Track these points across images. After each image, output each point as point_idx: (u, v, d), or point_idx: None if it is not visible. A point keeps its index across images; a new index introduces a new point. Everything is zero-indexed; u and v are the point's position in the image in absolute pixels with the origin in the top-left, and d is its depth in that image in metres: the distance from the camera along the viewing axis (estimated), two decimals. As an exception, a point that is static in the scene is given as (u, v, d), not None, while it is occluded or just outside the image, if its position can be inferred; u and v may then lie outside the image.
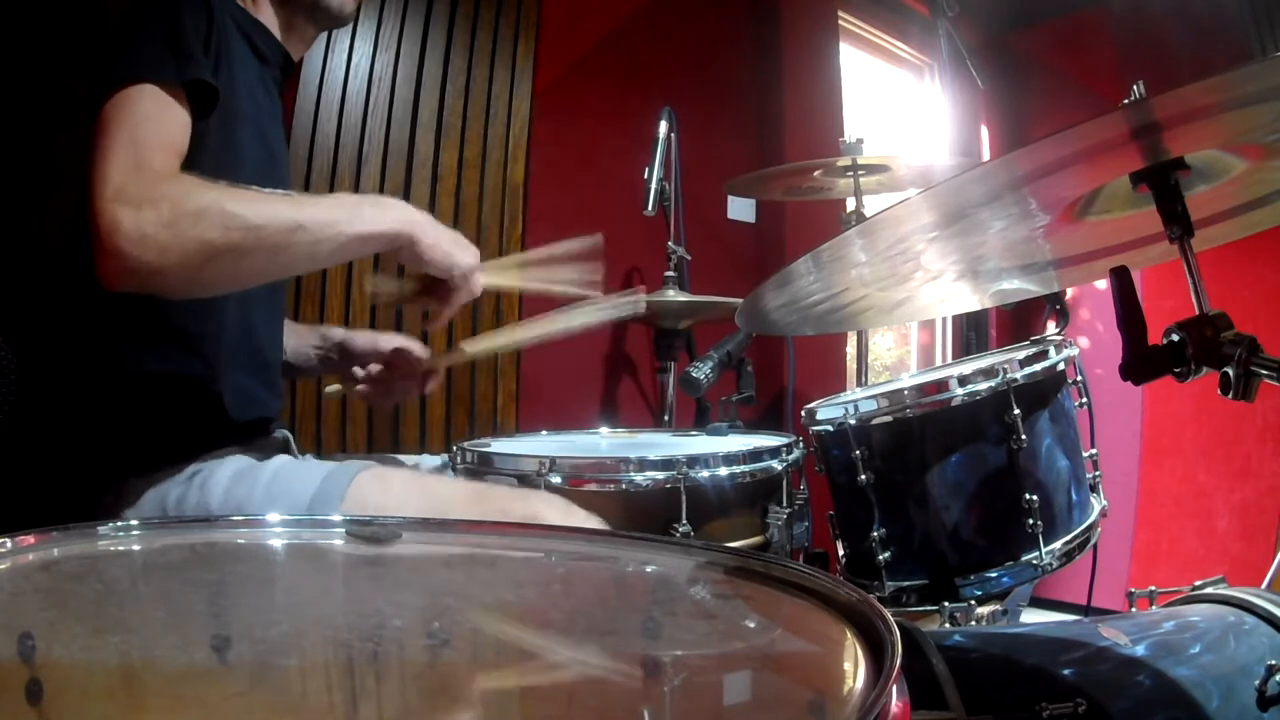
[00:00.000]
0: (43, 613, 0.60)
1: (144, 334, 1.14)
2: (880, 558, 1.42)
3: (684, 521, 1.24)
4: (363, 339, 1.50)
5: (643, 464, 1.27)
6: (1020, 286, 1.25)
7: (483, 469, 1.34)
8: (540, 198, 2.35)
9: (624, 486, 1.26)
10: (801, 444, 1.48)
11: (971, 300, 1.32)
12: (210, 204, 0.96)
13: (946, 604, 1.33)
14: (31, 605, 0.61)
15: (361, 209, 1.08)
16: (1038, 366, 1.40)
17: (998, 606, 1.40)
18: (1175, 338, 0.80)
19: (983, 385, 1.37)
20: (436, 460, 1.53)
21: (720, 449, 1.38)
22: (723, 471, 1.31)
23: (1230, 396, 0.76)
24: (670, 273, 2.26)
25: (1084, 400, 1.51)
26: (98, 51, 1.09)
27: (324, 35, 1.98)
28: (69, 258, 1.13)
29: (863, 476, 1.42)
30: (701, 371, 1.60)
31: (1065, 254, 1.12)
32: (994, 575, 1.38)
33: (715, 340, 1.71)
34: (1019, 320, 3.25)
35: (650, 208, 2.21)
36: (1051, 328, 1.53)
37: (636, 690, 0.56)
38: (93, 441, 1.15)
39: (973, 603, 1.36)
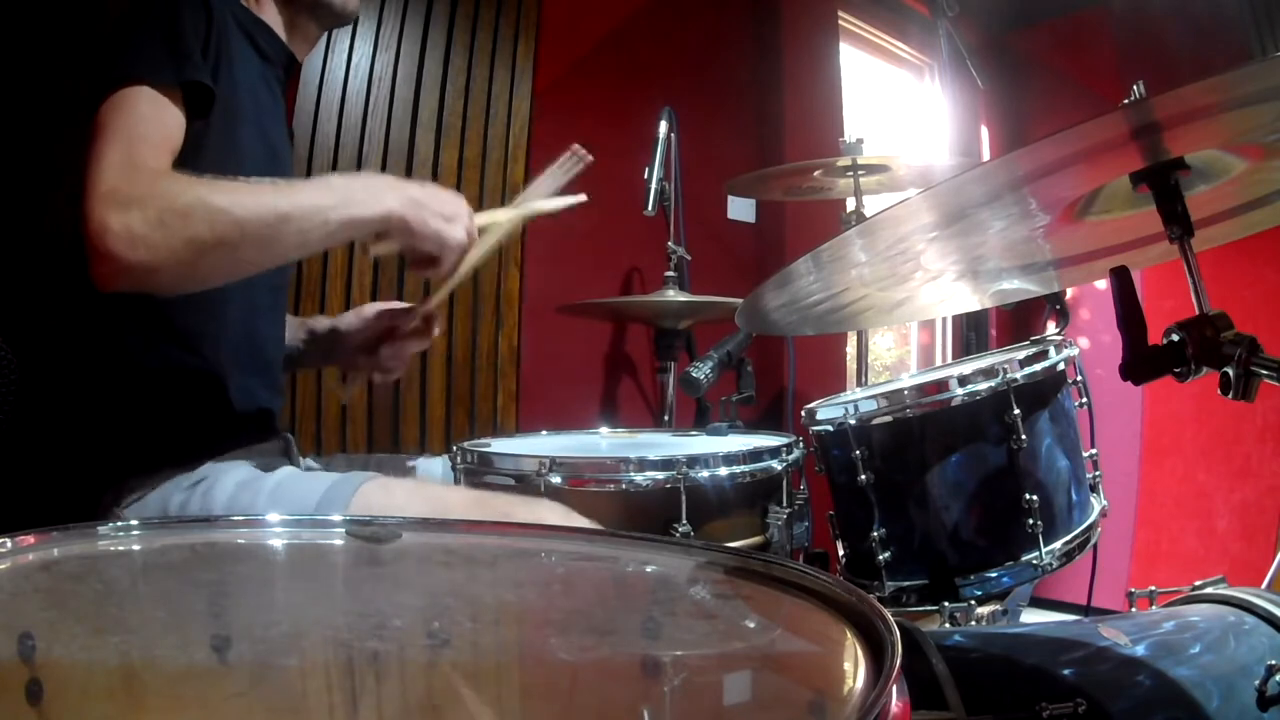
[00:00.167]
0: (43, 613, 0.60)
1: (145, 334, 1.14)
2: (880, 558, 1.42)
3: (684, 521, 1.24)
4: (348, 317, 1.47)
5: (643, 464, 1.27)
6: (1020, 286, 1.25)
7: (483, 469, 1.34)
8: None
9: (624, 486, 1.26)
10: (801, 444, 1.48)
11: (971, 300, 1.32)
12: (197, 200, 0.96)
13: (946, 604, 1.33)
14: (31, 605, 0.61)
15: (351, 193, 1.07)
16: (1038, 366, 1.40)
17: (998, 606, 1.40)
18: (1175, 338, 0.80)
19: (983, 385, 1.37)
20: (437, 463, 1.53)
21: (720, 449, 1.37)
22: (723, 471, 1.31)
23: (1230, 396, 0.76)
24: (670, 273, 2.26)
25: (1084, 400, 1.51)
26: (96, 52, 1.09)
27: (324, 35, 1.98)
28: (69, 258, 1.13)
29: (863, 476, 1.42)
30: (701, 371, 1.59)
31: (1065, 254, 1.12)
32: (994, 575, 1.38)
33: (715, 340, 1.71)
34: (1019, 320, 3.25)
35: (650, 208, 2.21)
36: (1051, 328, 1.53)
37: (636, 690, 0.56)
38: (93, 442, 1.15)
39: (973, 603, 1.36)
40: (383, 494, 1.11)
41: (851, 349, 2.78)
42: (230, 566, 0.78)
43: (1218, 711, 0.96)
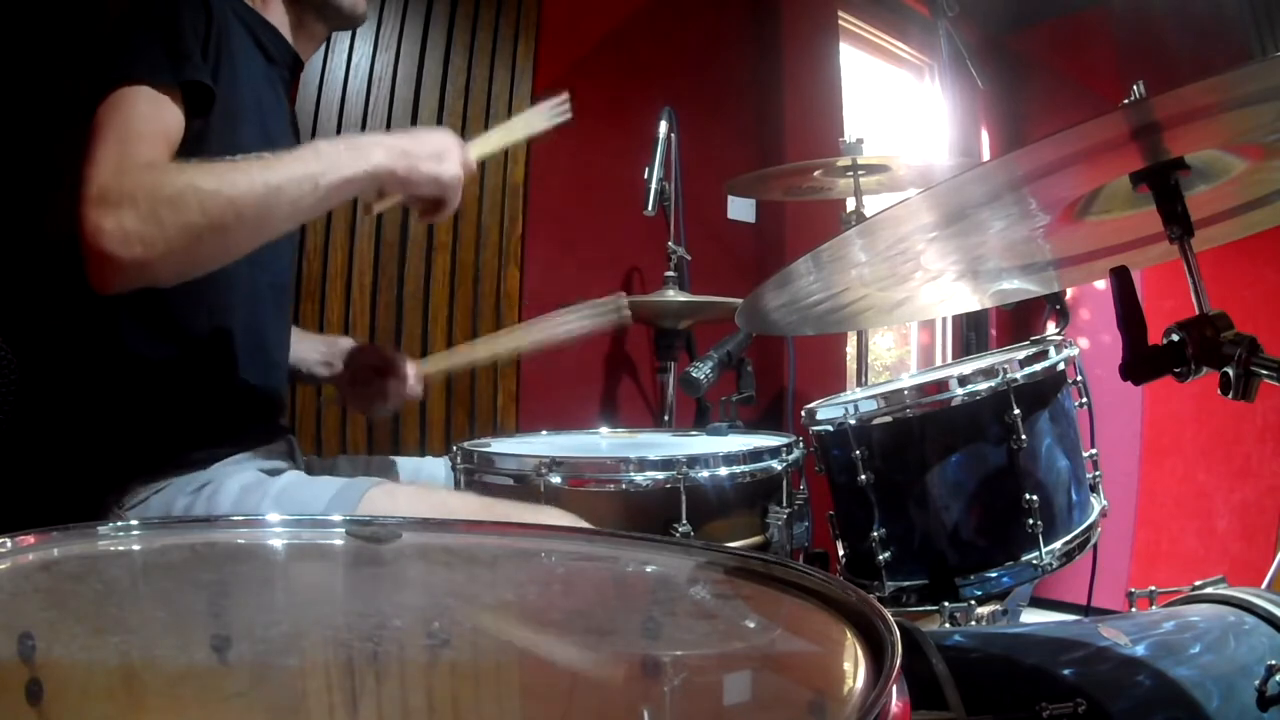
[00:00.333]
0: (43, 613, 0.60)
1: (148, 335, 1.14)
2: (880, 558, 1.42)
3: (684, 521, 1.24)
4: (365, 350, 1.51)
5: (643, 464, 1.27)
6: (1020, 286, 1.25)
7: (483, 469, 1.34)
8: (540, 198, 2.35)
9: (624, 486, 1.26)
10: (801, 444, 1.47)
11: (971, 300, 1.32)
12: (185, 186, 0.96)
13: (946, 604, 1.33)
14: (31, 605, 0.61)
15: (337, 155, 1.06)
16: (1038, 366, 1.40)
17: (998, 606, 1.40)
18: (1175, 338, 0.80)
19: (983, 385, 1.37)
20: (440, 463, 1.53)
21: (720, 449, 1.37)
22: (723, 471, 1.31)
23: (1230, 396, 0.76)
24: (670, 273, 2.26)
25: (1084, 400, 1.51)
26: (95, 52, 1.09)
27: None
28: (70, 258, 1.14)
29: (863, 476, 1.42)
30: (701, 371, 1.59)
31: (1065, 254, 1.12)
32: (994, 575, 1.38)
33: (715, 340, 1.71)
34: (1019, 320, 3.25)
35: (650, 208, 2.21)
36: (1051, 328, 1.53)
37: (636, 690, 0.56)
38: (95, 443, 1.15)
39: (973, 603, 1.36)
40: (388, 500, 1.12)
41: (851, 349, 2.78)
42: (230, 566, 0.78)
43: (1218, 711, 0.96)
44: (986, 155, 3.57)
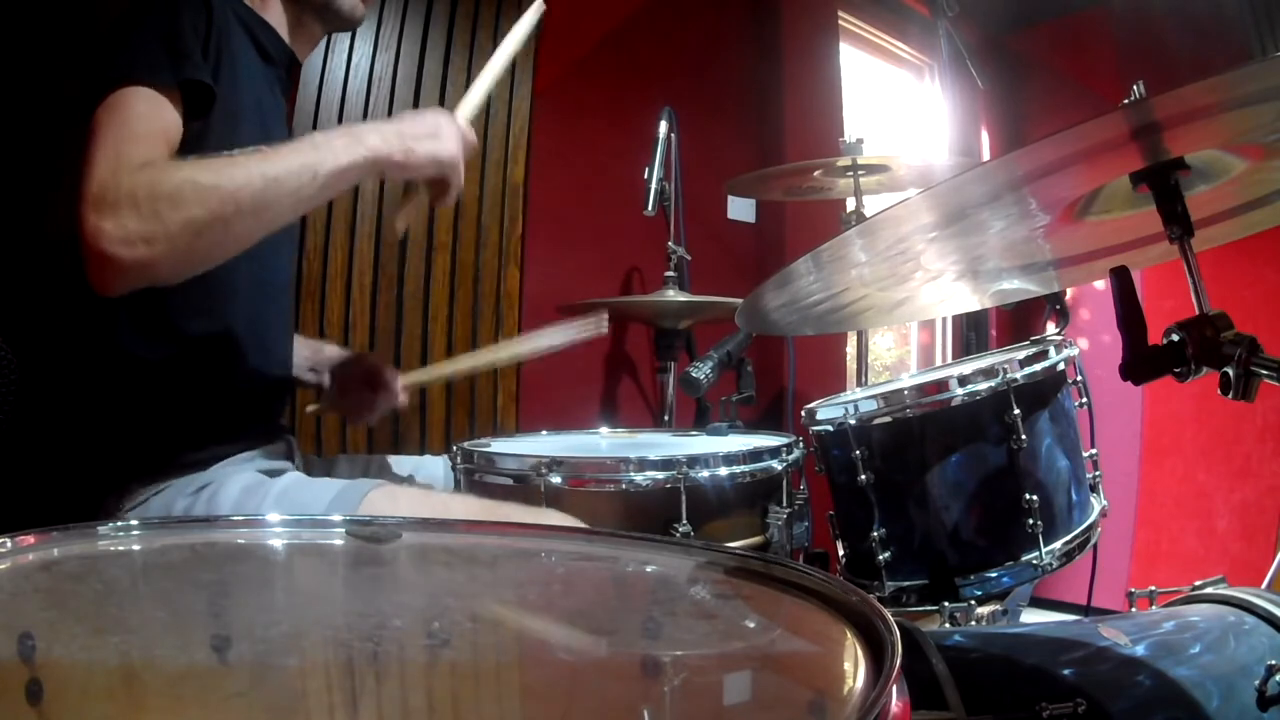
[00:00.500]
0: (43, 613, 0.60)
1: (149, 336, 1.14)
2: (880, 558, 1.42)
3: (684, 521, 1.24)
4: (351, 359, 1.51)
5: (643, 464, 1.27)
6: (1020, 286, 1.25)
7: (483, 469, 1.34)
8: (540, 198, 2.35)
9: (624, 486, 1.26)
10: (801, 444, 1.47)
11: (971, 300, 1.32)
12: (183, 181, 0.95)
13: (946, 604, 1.33)
14: (31, 605, 0.61)
15: (332, 143, 1.06)
16: (1038, 366, 1.40)
17: (998, 606, 1.40)
18: (1175, 338, 0.80)
19: (983, 385, 1.37)
20: (439, 462, 1.53)
21: (720, 449, 1.37)
22: (723, 471, 1.31)
23: (1230, 396, 0.76)
24: (670, 273, 2.26)
25: (1084, 400, 1.51)
26: (95, 52, 1.09)
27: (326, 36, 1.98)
28: (69, 259, 1.14)
29: (863, 476, 1.42)
30: (701, 371, 1.59)
31: (1065, 254, 1.12)
32: (994, 575, 1.38)
33: (715, 340, 1.71)
34: (1019, 320, 3.25)
35: (650, 208, 2.21)
36: (1051, 328, 1.53)
37: (636, 690, 0.56)
38: (96, 444, 1.15)
39: (973, 603, 1.36)
40: (389, 502, 1.12)
41: (851, 349, 2.78)
42: (230, 566, 0.78)
43: (1218, 711, 0.96)
44: (986, 155, 3.57)
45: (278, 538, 0.85)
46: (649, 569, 0.80)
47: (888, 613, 0.55)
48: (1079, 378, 1.50)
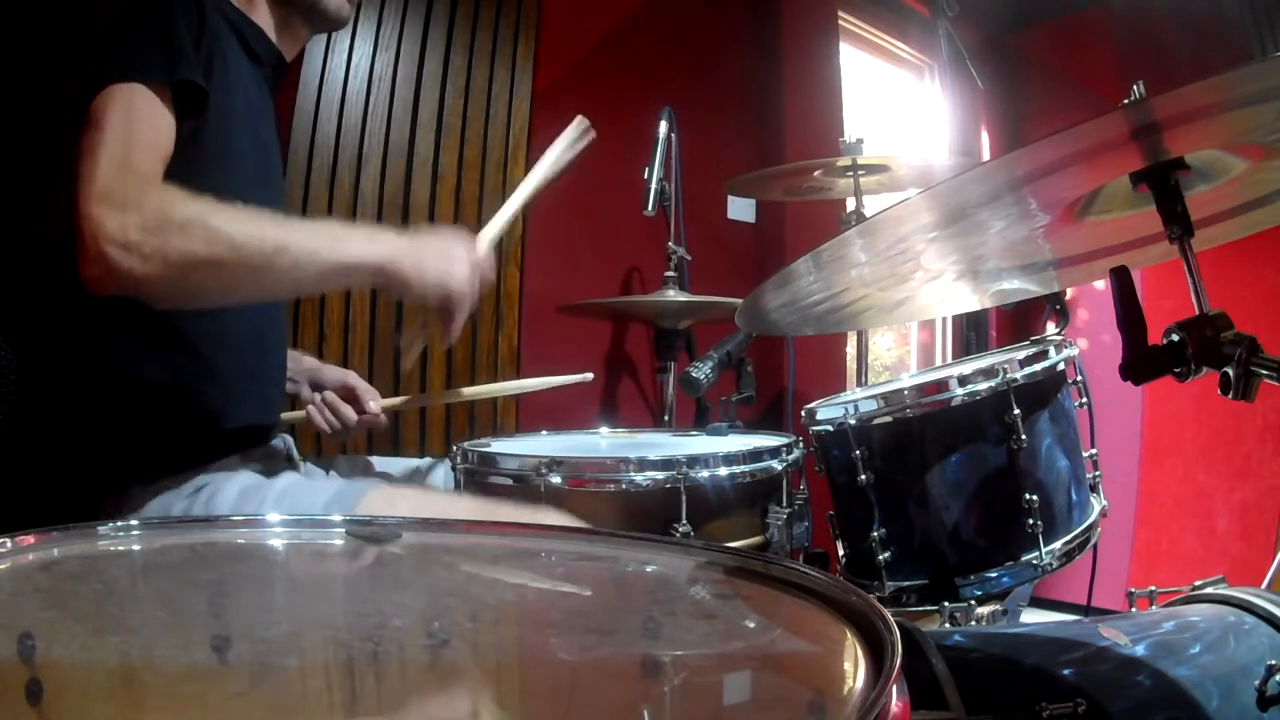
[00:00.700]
0: (43, 613, 0.60)
1: (147, 336, 1.14)
2: (880, 558, 1.42)
3: (684, 521, 1.24)
4: (333, 372, 1.51)
5: (643, 464, 1.27)
6: (1020, 286, 1.25)
7: (483, 469, 1.34)
8: (540, 198, 2.34)
9: (624, 486, 1.26)
10: (801, 444, 1.48)
11: (971, 300, 1.32)
12: (195, 216, 0.96)
13: (946, 604, 1.33)
14: (31, 605, 0.61)
15: (350, 239, 1.07)
16: (1038, 366, 1.40)
17: (998, 606, 1.40)
18: (1175, 338, 0.80)
19: (983, 385, 1.37)
20: (438, 467, 1.53)
21: (720, 449, 1.37)
22: (723, 471, 1.31)
23: (1230, 396, 0.76)
24: (670, 273, 2.26)
25: (1084, 400, 1.51)
26: (90, 50, 1.09)
27: (324, 35, 1.98)
28: (68, 258, 1.14)
29: (863, 476, 1.42)
30: (701, 371, 1.59)
31: (1065, 254, 1.12)
32: (994, 575, 1.38)
33: (715, 340, 1.71)
34: (1019, 320, 3.25)
35: (650, 208, 2.21)
36: (1051, 328, 1.53)
37: (636, 690, 0.56)
38: (94, 444, 1.15)
39: (973, 603, 1.36)
40: (387, 504, 1.12)
41: (851, 349, 2.78)
42: (230, 566, 0.78)
43: (1218, 711, 0.96)
44: (986, 155, 3.57)
45: (277, 538, 0.85)
46: (649, 569, 0.80)
47: (888, 613, 0.55)
48: (1079, 378, 1.50)
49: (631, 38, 2.62)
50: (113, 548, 0.76)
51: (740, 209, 2.92)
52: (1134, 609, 1.35)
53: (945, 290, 1.22)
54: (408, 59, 2.12)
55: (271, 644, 0.58)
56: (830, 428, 1.49)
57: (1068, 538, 1.41)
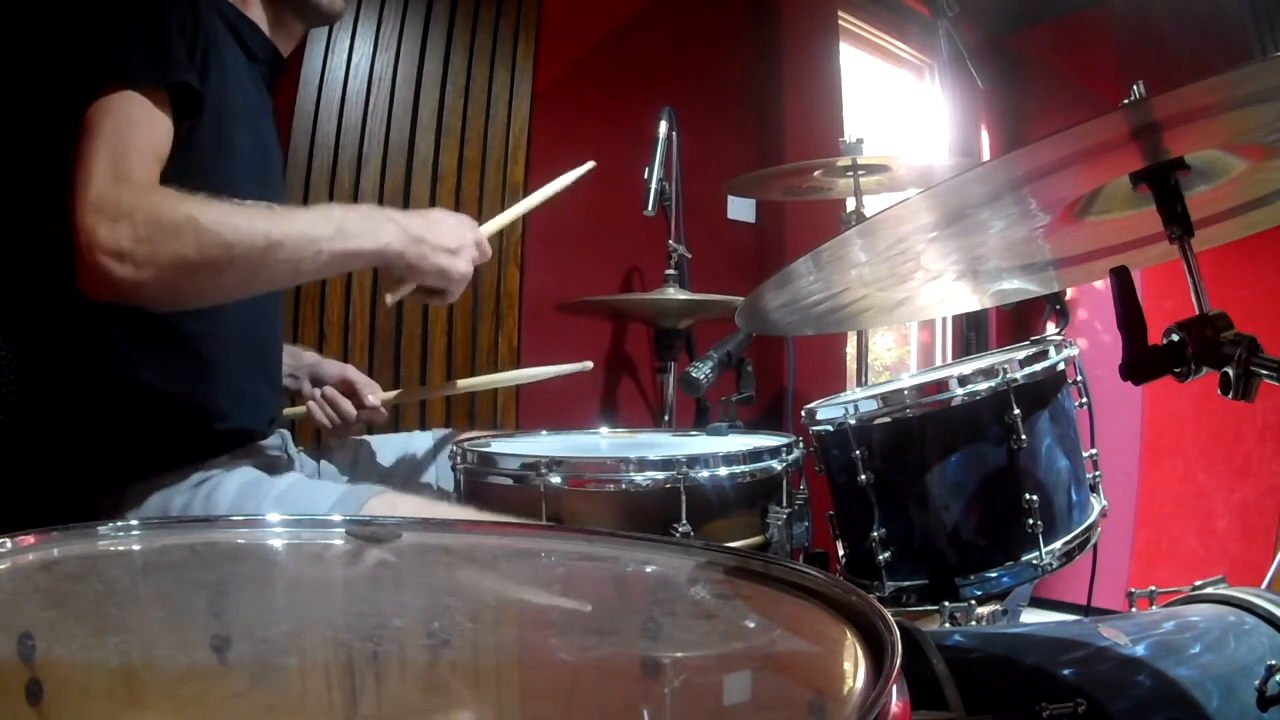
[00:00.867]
0: (43, 613, 0.60)
1: (145, 335, 1.14)
2: (880, 558, 1.42)
3: (684, 521, 1.24)
4: (332, 367, 1.51)
5: (643, 464, 1.26)
6: (1020, 286, 1.25)
7: (482, 469, 1.34)
8: (540, 197, 2.34)
9: (624, 486, 1.26)
10: (801, 444, 1.47)
11: (971, 300, 1.32)
12: (186, 219, 0.95)
13: (946, 604, 1.33)
14: (31, 605, 0.61)
15: (347, 225, 1.06)
16: (1038, 366, 1.40)
17: (998, 606, 1.40)
18: (1175, 338, 0.80)
19: (983, 385, 1.37)
20: (428, 437, 1.54)
21: (720, 449, 1.37)
22: (723, 471, 1.30)
23: (1230, 396, 0.76)
24: (670, 272, 2.26)
25: (1084, 400, 1.51)
26: (85, 52, 1.09)
27: (324, 35, 1.98)
28: (63, 259, 1.14)
29: (863, 476, 1.42)
30: (701, 371, 1.59)
31: (1065, 254, 1.12)
32: (994, 575, 1.38)
33: (715, 340, 1.71)
34: (1019, 320, 3.25)
35: (650, 208, 2.21)
36: (1051, 328, 1.53)
37: (636, 690, 0.56)
38: (92, 442, 1.15)
39: (973, 603, 1.36)
40: (389, 510, 1.12)
41: (851, 349, 2.78)
42: (230, 566, 0.78)
43: (1218, 711, 0.96)
44: (986, 155, 3.57)
45: (277, 538, 0.85)
46: (649, 569, 0.80)
47: (888, 613, 0.55)
48: (1079, 378, 1.50)
49: (631, 38, 2.62)
50: (113, 548, 0.76)
51: (740, 209, 2.92)
52: (1134, 609, 1.35)
53: (945, 290, 1.22)
54: (408, 59, 2.12)
55: (271, 644, 0.58)
56: (830, 428, 1.49)
57: (1068, 538, 1.41)
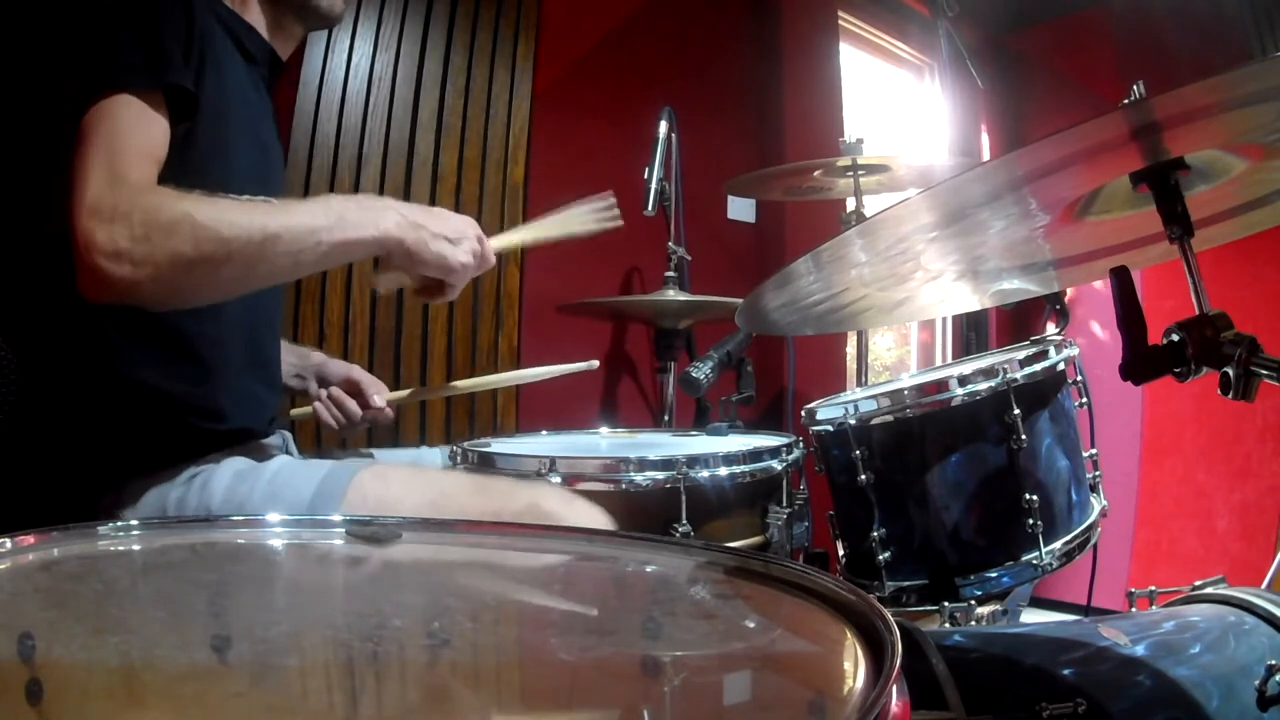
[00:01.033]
0: (43, 613, 0.60)
1: (143, 334, 1.14)
2: (880, 558, 1.42)
3: (684, 521, 1.24)
4: (338, 366, 1.51)
5: (643, 464, 1.27)
6: (1020, 286, 1.25)
7: (483, 469, 1.34)
8: (540, 198, 2.34)
9: (624, 486, 1.26)
10: (801, 444, 1.48)
11: (971, 300, 1.32)
12: (182, 216, 0.95)
13: (946, 604, 1.33)
14: (31, 605, 0.61)
15: (345, 215, 1.05)
16: (1038, 366, 1.40)
17: (998, 606, 1.40)
18: (1175, 338, 0.80)
19: (983, 385, 1.37)
20: (436, 453, 1.53)
21: (720, 449, 1.37)
22: (723, 471, 1.31)
23: (1230, 396, 0.76)
24: (670, 273, 2.26)
25: (1084, 400, 1.51)
26: (82, 55, 1.10)
27: (324, 36, 1.98)
28: (63, 259, 1.14)
29: (863, 476, 1.42)
30: (701, 371, 1.59)
31: (1065, 254, 1.12)
32: (994, 575, 1.38)
33: (715, 340, 1.71)
34: (1019, 320, 3.25)
35: (650, 208, 2.21)
36: (1051, 328, 1.53)
37: (636, 690, 0.56)
38: (91, 442, 1.15)
39: (973, 603, 1.36)
40: (379, 483, 1.11)
41: (851, 349, 2.78)
42: (230, 566, 0.78)
43: (1218, 711, 0.96)
44: (986, 155, 3.57)
45: (278, 538, 0.85)
46: (649, 569, 0.80)
47: (888, 613, 0.55)
48: (1079, 378, 1.50)
49: (631, 38, 2.62)
50: (113, 548, 0.76)
51: (740, 209, 2.92)
52: (1134, 609, 1.35)
53: (945, 290, 1.22)
54: (408, 59, 2.12)
55: (271, 644, 0.58)
56: (830, 428, 1.49)
57: (1068, 538, 1.41)
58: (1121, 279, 0.83)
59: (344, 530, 0.84)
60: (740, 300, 1.21)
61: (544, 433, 1.76)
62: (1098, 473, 1.53)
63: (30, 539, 0.69)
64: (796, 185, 2.32)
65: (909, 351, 3.94)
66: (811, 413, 1.54)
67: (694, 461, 1.27)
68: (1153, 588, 1.34)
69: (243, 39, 1.24)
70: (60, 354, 1.19)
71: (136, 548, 0.78)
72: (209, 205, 0.98)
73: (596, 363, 1.53)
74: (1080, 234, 1.04)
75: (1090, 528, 1.45)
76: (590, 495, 1.26)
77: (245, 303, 1.22)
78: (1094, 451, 1.53)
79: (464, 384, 1.67)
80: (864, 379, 2.37)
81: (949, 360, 3.48)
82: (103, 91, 1.02)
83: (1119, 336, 0.81)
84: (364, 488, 1.09)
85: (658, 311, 2.23)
